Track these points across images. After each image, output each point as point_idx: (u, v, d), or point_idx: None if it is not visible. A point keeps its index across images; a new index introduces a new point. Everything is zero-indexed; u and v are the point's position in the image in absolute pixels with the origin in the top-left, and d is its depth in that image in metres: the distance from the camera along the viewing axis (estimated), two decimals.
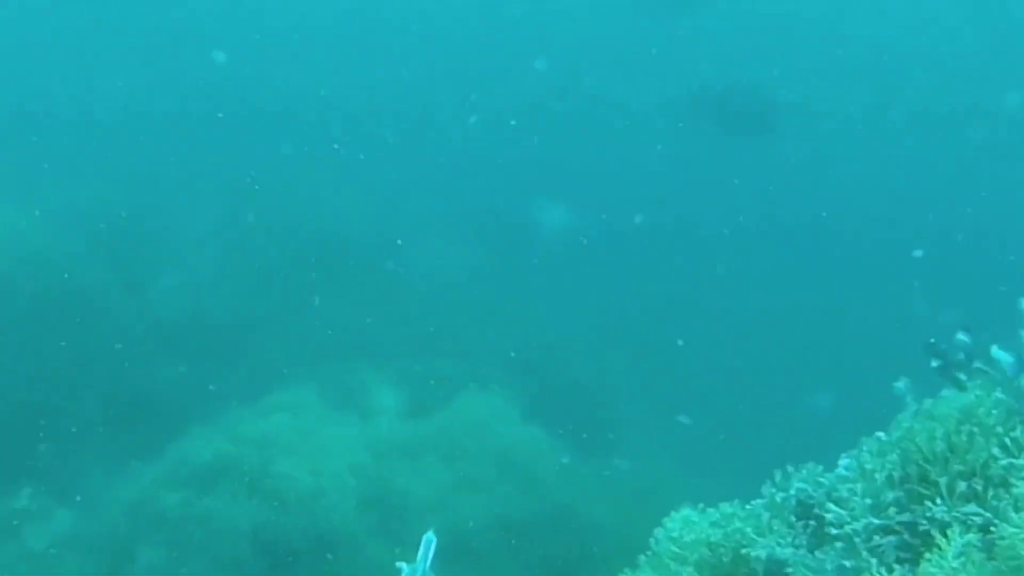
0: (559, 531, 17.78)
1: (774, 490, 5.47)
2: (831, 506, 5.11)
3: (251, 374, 21.99)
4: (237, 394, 20.27)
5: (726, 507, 5.61)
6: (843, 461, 5.42)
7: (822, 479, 5.33)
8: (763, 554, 5.24)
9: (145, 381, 22.04)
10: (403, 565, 5.70)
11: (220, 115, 33.34)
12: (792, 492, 5.36)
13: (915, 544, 4.97)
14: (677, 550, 5.58)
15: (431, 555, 5.81)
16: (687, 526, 5.64)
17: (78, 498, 19.20)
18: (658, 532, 5.78)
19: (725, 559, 5.42)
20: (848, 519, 5.02)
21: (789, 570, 5.14)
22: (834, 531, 5.06)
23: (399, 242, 26.45)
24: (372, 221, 27.11)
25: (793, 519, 5.30)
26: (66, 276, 22.57)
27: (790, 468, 5.47)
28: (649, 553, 5.81)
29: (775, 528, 5.32)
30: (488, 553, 17.25)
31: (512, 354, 22.77)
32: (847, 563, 4.98)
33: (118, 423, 20.96)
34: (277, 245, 25.36)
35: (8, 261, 21.59)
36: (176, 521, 17.11)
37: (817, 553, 5.09)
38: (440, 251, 27.45)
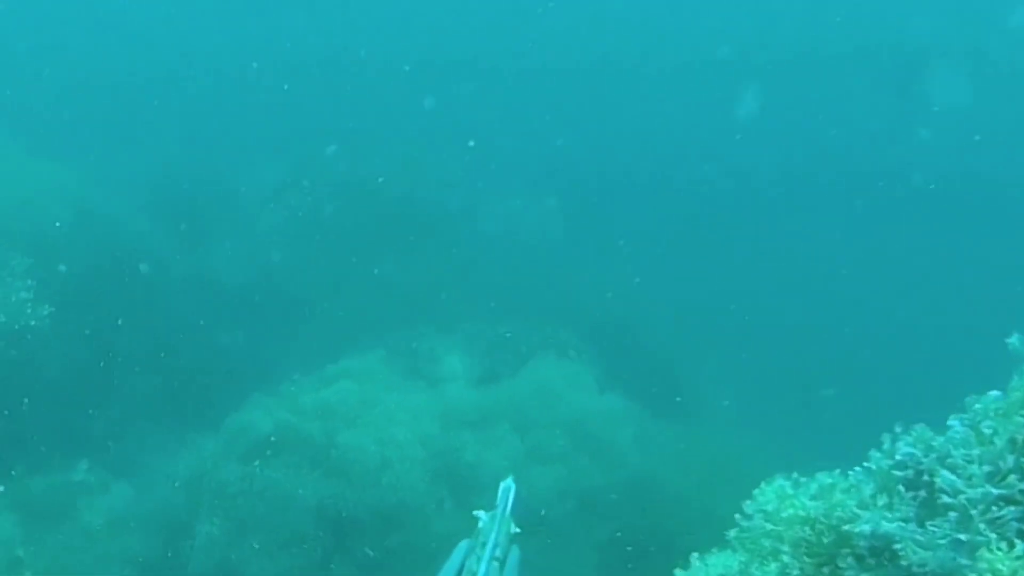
0: (637, 503, 17.38)
1: (879, 455, 5.01)
2: (945, 473, 4.65)
3: (314, 341, 21.78)
4: (300, 362, 20.00)
5: (824, 477, 5.15)
6: (954, 422, 4.94)
7: (934, 443, 4.86)
8: (867, 529, 4.79)
9: (206, 349, 21.95)
10: (481, 513, 5.50)
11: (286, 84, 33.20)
12: (900, 457, 4.89)
13: None
14: (772, 527, 5.14)
15: (510, 502, 5.64)
16: (783, 500, 5.18)
17: (136, 471, 19.10)
18: (748, 506, 5.36)
19: (826, 539, 4.96)
20: (964, 487, 4.57)
21: (897, 546, 4.70)
22: (948, 500, 4.61)
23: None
24: (444, 180, 26.79)
25: (901, 489, 4.84)
26: (128, 241, 22.51)
27: (898, 430, 4.99)
28: (739, 530, 5.39)
29: (880, 500, 4.86)
30: (563, 526, 16.91)
31: (593, 314, 22.44)
32: (962, 536, 4.54)
33: (177, 393, 20.84)
34: (343, 207, 25.13)
35: (69, 225, 21.48)
36: (235, 495, 16.86)
37: (929, 525, 4.64)
38: (516, 211, 27.20)
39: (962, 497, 4.55)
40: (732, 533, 5.41)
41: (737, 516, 5.36)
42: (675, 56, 36.73)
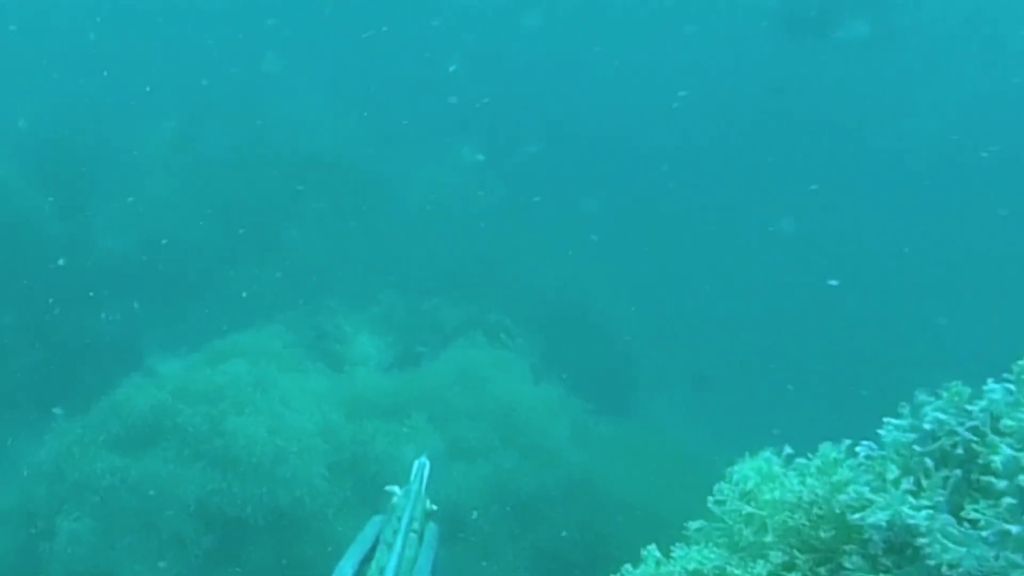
0: (574, 508, 16.84)
1: (898, 424, 4.23)
2: (1000, 444, 3.88)
3: (203, 316, 21.27)
4: (185, 338, 19.38)
5: (828, 450, 4.37)
6: (993, 386, 4.17)
7: (971, 407, 4.09)
8: (883, 519, 4.00)
9: (83, 325, 21.54)
10: (395, 488, 5.52)
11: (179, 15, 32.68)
12: (928, 426, 4.11)
13: None
14: (752, 510, 4.35)
15: (425, 479, 5.63)
16: (768, 479, 4.41)
17: None
18: (721, 489, 4.60)
19: (824, 531, 4.18)
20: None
21: (923, 541, 3.92)
22: (1000, 484, 3.84)
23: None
24: (358, 140, 26.27)
25: (929, 464, 4.06)
26: None
27: (921, 395, 4.21)
28: (707, 519, 4.63)
29: (901, 481, 4.07)
30: (488, 533, 16.33)
31: (529, 294, 22.05)
32: (1013, 528, 3.78)
33: (44, 372, 20.34)
34: (243, 168, 24.64)
35: None
36: (105, 489, 16.06)
37: (970, 510, 3.87)
38: (442, 176, 26.65)
39: (1021, 477, 3.78)
40: (695, 525, 4.69)
41: (710, 500, 4.61)
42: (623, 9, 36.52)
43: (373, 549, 5.07)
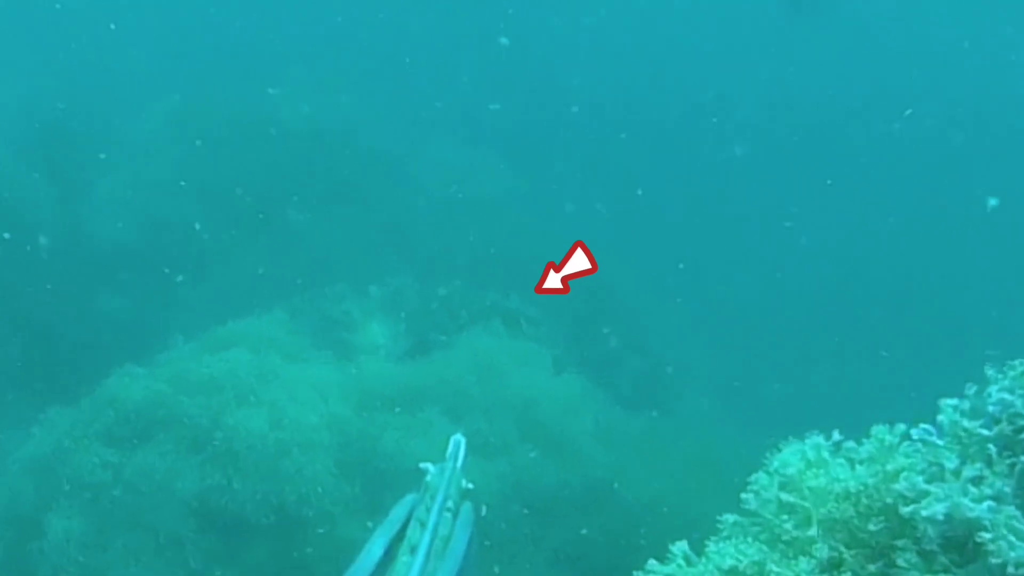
0: (596, 509, 16.67)
1: (955, 404, 4.05)
2: None
3: (204, 302, 21.15)
4: (184, 325, 19.28)
5: (882, 433, 4.18)
6: None
7: None
8: (941, 511, 3.82)
9: (74, 311, 21.55)
10: (429, 465, 5.43)
11: None
12: (992, 408, 3.93)
13: None
14: (794, 500, 4.17)
15: (461, 456, 5.59)
16: (814, 465, 4.22)
17: None
18: (758, 479, 4.42)
19: (875, 524, 3.99)
20: None
21: (986, 536, 3.74)
22: None
23: None
24: (371, 116, 26.20)
25: (992, 451, 3.88)
26: None
27: (989, 370, 4.03)
28: (741, 512, 4.45)
29: (961, 470, 3.89)
30: (505, 534, 16.15)
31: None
32: None
33: (35, 363, 20.36)
34: (247, 147, 24.46)
35: None
36: (97, 485, 15.98)
37: None
38: (458, 155, 26.59)
39: None
40: (731, 519, 4.51)
41: (745, 496, 4.43)
42: None
43: (405, 528, 5.02)
